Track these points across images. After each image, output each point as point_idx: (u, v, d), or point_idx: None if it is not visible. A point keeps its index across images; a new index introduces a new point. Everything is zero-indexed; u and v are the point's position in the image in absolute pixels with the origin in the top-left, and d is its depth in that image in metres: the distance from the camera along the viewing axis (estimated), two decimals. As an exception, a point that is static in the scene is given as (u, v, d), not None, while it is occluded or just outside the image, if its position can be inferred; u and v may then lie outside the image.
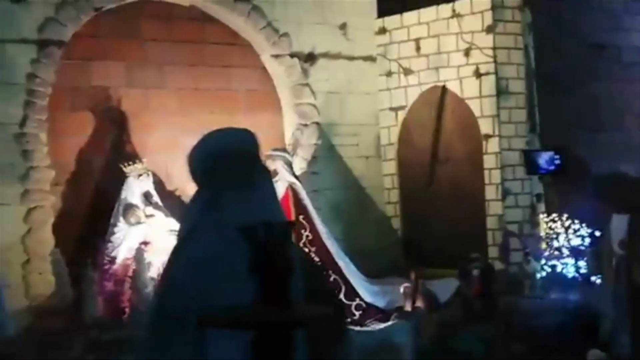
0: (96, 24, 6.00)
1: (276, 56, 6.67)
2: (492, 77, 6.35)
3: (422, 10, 6.75)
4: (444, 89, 6.68)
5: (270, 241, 1.49)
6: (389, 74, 7.00)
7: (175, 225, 5.61)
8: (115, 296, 4.88)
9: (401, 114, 6.97)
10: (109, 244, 5.25)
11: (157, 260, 4.91)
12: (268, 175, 1.97)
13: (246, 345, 1.61)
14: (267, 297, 1.47)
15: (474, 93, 6.46)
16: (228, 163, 1.85)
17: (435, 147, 6.77)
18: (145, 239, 5.24)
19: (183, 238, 1.89)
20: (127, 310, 4.85)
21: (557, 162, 5.95)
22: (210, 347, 1.73)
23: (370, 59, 7.04)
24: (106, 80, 6.22)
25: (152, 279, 4.77)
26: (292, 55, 6.69)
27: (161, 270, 4.92)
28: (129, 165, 5.65)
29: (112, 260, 5.06)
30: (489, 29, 6.34)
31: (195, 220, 1.87)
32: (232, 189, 1.83)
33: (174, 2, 6.34)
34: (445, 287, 5.38)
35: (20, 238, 5.46)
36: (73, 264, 5.14)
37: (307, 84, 6.76)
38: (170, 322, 1.80)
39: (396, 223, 7.00)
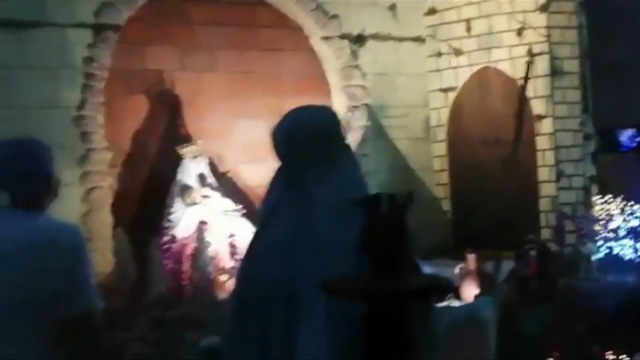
0: (150, 8, 6.07)
1: (326, 38, 6.67)
2: (546, 57, 6.26)
3: (473, -11, 6.67)
4: (494, 69, 6.60)
5: (392, 212, 1.51)
6: (439, 54, 6.95)
7: (230, 205, 5.72)
8: (175, 275, 4.99)
9: (451, 95, 6.92)
10: (167, 224, 5.36)
11: (214, 240, 4.99)
12: (351, 153, 1.98)
13: (346, 323, 1.62)
14: (381, 269, 1.49)
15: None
16: (312, 140, 1.86)
17: (485, 129, 6.71)
18: (201, 219, 5.33)
19: (267, 215, 1.90)
20: (187, 288, 4.95)
21: (638, 139, 5.86)
22: (301, 330, 1.72)
23: (420, 40, 6.99)
24: (160, 64, 6.31)
25: (211, 257, 4.86)
26: (341, 37, 6.68)
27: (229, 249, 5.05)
28: (184, 147, 5.74)
29: (172, 239, 5.17)
30: (543, 8, 6.24)
31: (279, 197, 1.88)
32: (316, 166, 1.84)
33: (224, -14, 6.39)
34: (498, 268, 5.36)
35: (80, 218, 5.59)
36: (133, 244, 5.25)
37: (356, 66, 6.76)
38: (256, 303, 1.81)
39: (446, 205, 6.98)
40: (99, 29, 5.74)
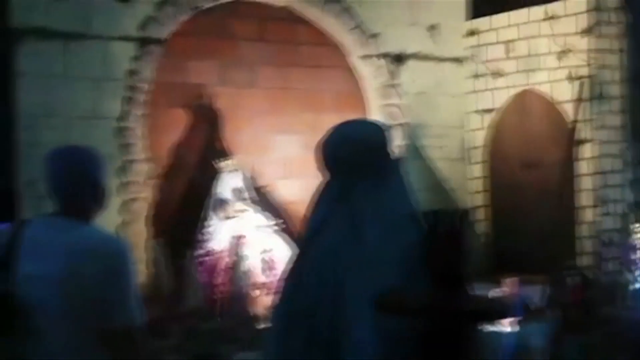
0: (192, 23, 6.16)
1: (365, 57, 6.69)
2: (588, 81, 6.19)
3: (513, 13, 6.65)
4: (534, 92, 6.55)
5: (453, 229, 1.49)
6: (477, 76, 6.92)
7: (265, 220, 5.73)
8: (210, 288, 5.00)
9: (488, 117, 6.88)
10: (202, 237, 5.38)
11: (249, 254, 4.99)
12: (400, 167, 1.93)
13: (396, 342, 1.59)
14: (442, 287, 1.47)
15: (567, 97, 6.31)
16: (360, 155, 1.84)
17: (525, 151, 6.65)
18: (237, 233, 5.34)
19: (314, 229, 1.87)
20: (221, 302, 4.95)
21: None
22: (346, 345, 1.70)
23: (459, 60, 6.98)
24: (201, 78, 6.38)
25: (246, 272, 4.86)
26: (380, 56, 6.70)
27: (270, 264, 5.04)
28: (221, 161, 5.78)
29: (207, 252, 5.19)
30: (586, 32, 6.18)
31: (326, 211, 1.86)
32: (364, 181, 1.82)
33: (267, 3, 6.45)
34: (534, 294, 5.27)
35: (117, 228, 5.64)
36: (168, 256, 5.28)
37: (395, 85, 6.76)
38: (301, 317, 1.79)
39: (482, 227, 6.90)
40: (143, 43, 5.83)
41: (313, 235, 1.87)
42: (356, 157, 1.84)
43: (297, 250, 1.94)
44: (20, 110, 5.42)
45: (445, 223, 1.53)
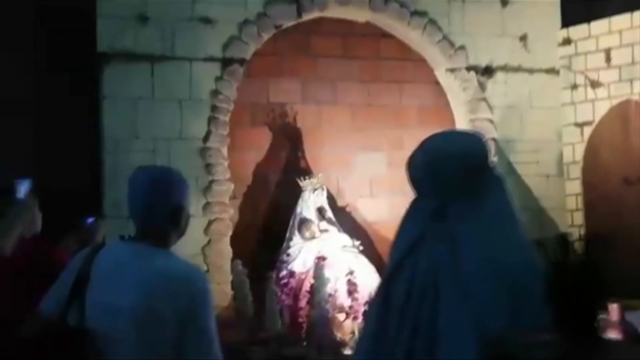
0: (274, 42, 6.12)
1: (452, 70, 6.43)
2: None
3: (614, 18, 6.20)
4: (637, 102, 6.08)
5: (587, 257, 1.27)
6: (574, 87, 6.50)
7: (348, 241, 5.56)
8: (292, 311, 4.86)
9: (587, 130, 6.44)
10: (285, 258, 5.27)
11: (332, 277, 4.83)
12: (502, 184, 1.70)
13: None
14: (573, 325, 1.24)
15: (675, 107, 5.81)
16: (457, 171, 1.63)
17: (627, 166, 6.16)
18: (319, 254, 5.19)
19: (407, 249, 1.65)
20: (304, 326, 4.81)
21: None
22: None
23: (553, 71, 6.59)
24: (282, 97, 6.33)
25: (330, 295, 4.69)
26: (468, 69, 6.42)
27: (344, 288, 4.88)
28: (305, 179, 5.67)
29: (289, 274, 5.06)
30: (695, 35, 5.68)
31: (421, 229, 1.65)
32: (461, 200, 1.61)
33: (349, 19, 6.33)
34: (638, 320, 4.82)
35: (200, 249, 5.63)
36: (251, 277, 5.19)
37: (484, 99, 6.45)
38: (388, 344, 1.59)
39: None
40: (226, 63, 5.83)
41: (406, 255, 1.65)
42: (457, 172, 1.63)
43: (387, 271, 1.72)
44: (106, 133, 5.52)
45: (577, 250, 1.30)
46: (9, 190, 2.29)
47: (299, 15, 6.03)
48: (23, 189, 2.28)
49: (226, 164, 5.83)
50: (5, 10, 5.61)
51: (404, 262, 1.64)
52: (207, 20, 5.78)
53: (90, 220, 3.01)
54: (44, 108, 5.61)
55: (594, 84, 6.34)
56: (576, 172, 6.51)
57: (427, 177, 1.65)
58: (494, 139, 6.40)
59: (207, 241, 5.68)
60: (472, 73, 6.42)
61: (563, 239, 1.37)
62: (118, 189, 5.23)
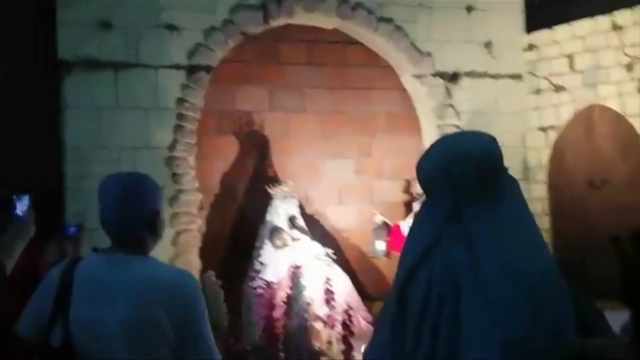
0: (241, 49, 6.04)
1: (418, 76, 6.45)
2: (660, 92, 5.80)
3: (577, 24, 6.31)
4: (601, 106, 6.18)
5: None
6: (538, 92, 6.59)
7: (321, 249, 5.48)
8: (268, 322, 4.76)
9: (552, 134, 6.52)
10: (256, 268, 5.16)
11: (307, 285, 4.75)
12: (517, 187, 1.64)
13: None
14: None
15: (638, 110, 5.91)
16: (477, 170, 1.57)
17: (592, 170, 6.26)
18: (293, 263, 5.11)
19: (421, 253, 1.58)
20: (281, 336, 4.70)
21: None
22: None
23: (518, 77, 6.67)
24: (250, 104, 6.25)
25: (308, 304, 4.60)
26: (434, 75, 6.44)
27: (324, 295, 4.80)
28: (274, 187, 5.58)
29: (263, 284, 4.96)
30: (656, 40, 5.81)
31: (436, 232, 1.58)
32: (477, 201, 1.55)
33: (316, 26, 6.29)
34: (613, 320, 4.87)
35: (169, 261, 5.48)
36: (222, 288, 5.07)
37: (450, 105, 6.48)
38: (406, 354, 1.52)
39: None
40: (192, 70, 5.72)
41: (421, 259, 1.57)
42: (472, 173, 1.57)
43: (400, 276, 1.62)
44: (68, 142, 5.34)
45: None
46: (7, 205, 2.17)
47: (266, 22, 5.97)
48: (21, 205, 2.16)
49: (193, 173, 5.71)
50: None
51: (419, 266, 1.56)
52: (172, 27, 5.67)
53: (71, 229, 2.88)
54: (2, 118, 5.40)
55: (558, 89, 6.43)
56: (541, 176, 6.58)
57: (441, 179, 1.58)
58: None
59: (175, 253, 5.53)
60: (439, 79, 6.44)
61: (639, 237, 1.31)
62: (81, 199, 5.08)
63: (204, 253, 5.67)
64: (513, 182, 1.63)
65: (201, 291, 1.86)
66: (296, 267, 4.97)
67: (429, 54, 6.41)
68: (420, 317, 1.50)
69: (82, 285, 1.82)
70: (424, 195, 1.67)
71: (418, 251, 1.57)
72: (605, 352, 1.31)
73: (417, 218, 1.66)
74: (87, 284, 1.82)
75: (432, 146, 1.66)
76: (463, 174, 1.56)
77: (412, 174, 5.75)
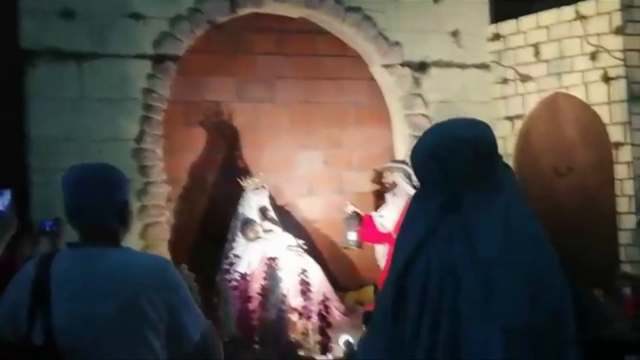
0: (208, 38, 5.95)
1: (387, 66, 6.45)
2: (623, 82, 5.91)
3: (541, 14, 6.39)
4: (566, 95, 6.28)
5: None
6: (505, 81, 6.66)
7: (294, 241, 5.45)
8: (243, 314, 4.71)
9: (518, 123, 6.61)
10: (229, 260, 5.11)
11: (282, 276, 4.72)
12: (512, 174, 1.64)
13: None
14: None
15: (602, 99, 6.03)
16: (472, 157, 1.55)
17: (557, 157, 6.36)
18: (266, 254, 5.07)
19: (417, 244, 1.55)
20: (257, 328, 4.66)
21: None
22: None
23: (484, 66, 6.72)
24: (217, 95, 6.17)
25: (284, 295, 4.57)
26: (403, 65, 6.45)
27: None
28: (246, 179, 5.52)
29: (236, 277, 4.91)
30: (618, 30, 5.91)
31: (430, 224, 1.55)
32: (473, 189, 1.54)
33: (283, 15, 6.23)
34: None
35: (138, 254, 5.38)
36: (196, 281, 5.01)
37: (418, 94, 6.51)
38: (404, 351, 1.50)
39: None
40: (158, 60, 5.61)
41: (416, 251, 1.54)
42: (467, 158, 1.54)
43: (396, 268, 1.60)
44: (32, 135, 5.20)
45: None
46: None
47: (233, 10, 5.89)
48: (3, 200, 2.08)
49: (161, 165, 5.61)
50: None
51: (414, 258, 1.54)
52: (137, 16, 5.54)
53: (48, 224, 2.79)
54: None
55: (524, 78, 6.51)
56: (509, 164, 6.66)
57: (436, 165, 1.56)
58: (430, 134, 6.46)
59: (144, 246, 5.44)
60: (407, 69, 6.46)
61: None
62: (47, 192, 4.94)
63: (173, 246, 5.59)
64: (508, 169, 1.63)
65: (178, 276, 1.85)
66: (271, 259, 4.93)
67: (397, 44, 6.42)
68: (420, 308, 1.49)
69: (61, 282, 1.76)
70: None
71: (411, 244, 1.55)
72: (619, 334, 1.32)
73: (410, 209, 1.64)
74: (65, 281, 1.77)
75: (426, 133, 1.64)
76: (458, 158, 1.54)
77: (381, 164, 5.79)
